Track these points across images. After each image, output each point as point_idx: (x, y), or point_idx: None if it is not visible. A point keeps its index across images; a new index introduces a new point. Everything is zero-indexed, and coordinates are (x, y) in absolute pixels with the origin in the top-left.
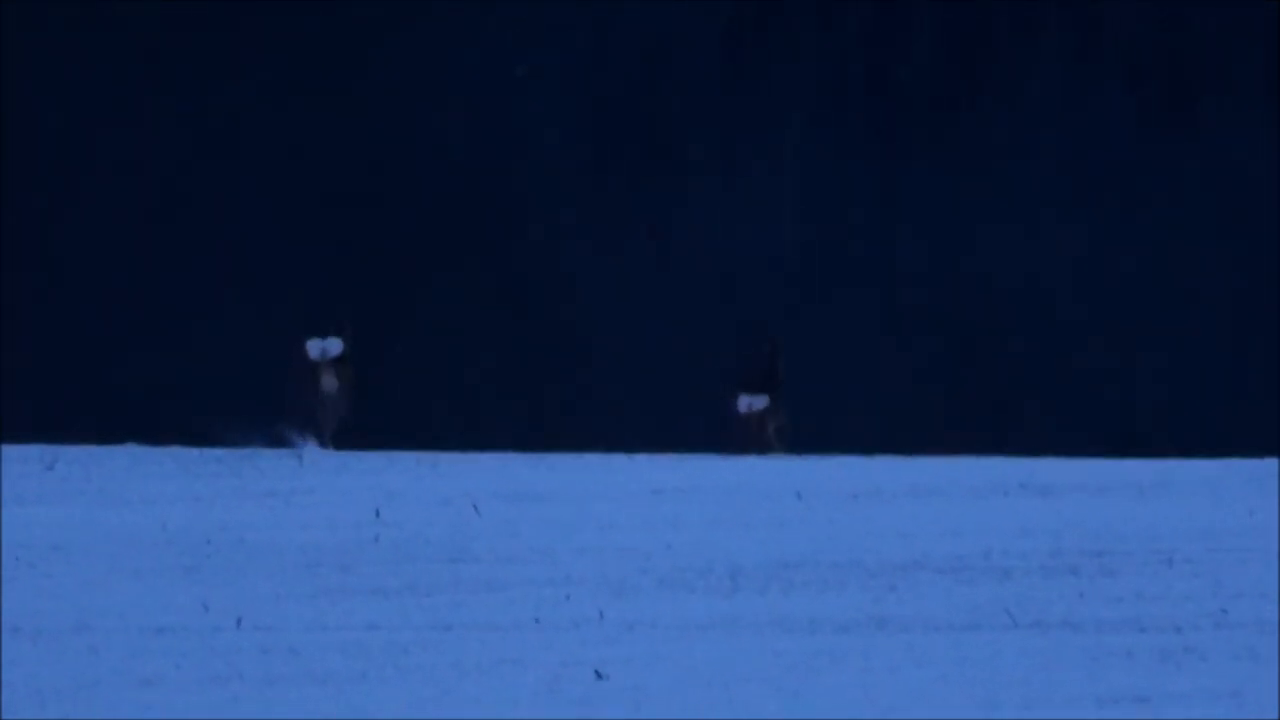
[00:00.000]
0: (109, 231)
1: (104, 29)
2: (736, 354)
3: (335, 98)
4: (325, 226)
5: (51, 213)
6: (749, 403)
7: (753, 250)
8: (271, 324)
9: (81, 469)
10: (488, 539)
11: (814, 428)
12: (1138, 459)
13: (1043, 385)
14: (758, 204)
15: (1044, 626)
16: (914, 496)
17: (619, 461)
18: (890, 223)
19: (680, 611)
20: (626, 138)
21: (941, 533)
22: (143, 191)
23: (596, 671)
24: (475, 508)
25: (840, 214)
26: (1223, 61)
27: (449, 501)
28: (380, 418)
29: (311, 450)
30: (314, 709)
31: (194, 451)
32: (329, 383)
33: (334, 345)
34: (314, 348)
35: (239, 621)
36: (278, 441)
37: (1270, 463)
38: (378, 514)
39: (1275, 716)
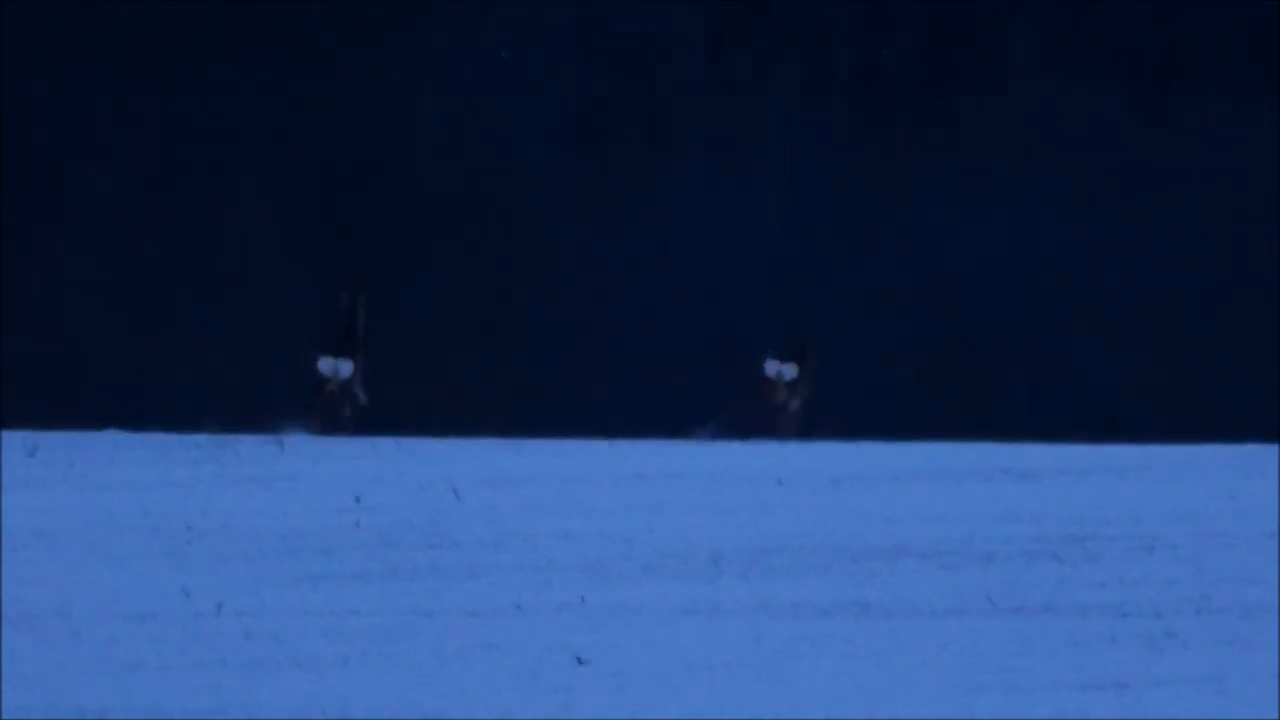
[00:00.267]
0: (90, 220)
1: (104, 29)
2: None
3: (327, 93)
4: (310, 215)
5: (34, 202)
6: (778, 369)
7: (738, 240)
8: (257, 312)
9: (63, 455)
10: (469, 524)
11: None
12: (1119, 444)
13: (1025, 370)
14: (744, 195)
15: (1026, 612)
16: (896, 482)
17: (600, 447)
18: (876, 213)
19: (662, 597)
20: (615, 127)
21: (923, 518)
22: (126, 181)
23: (578, 657)
24: (456, 493)
25: (826, 205)
26: (1211, 52)
27: (430, 486)
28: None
29: (292, 436)
30: (295, 694)
31: (175, 437)
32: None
33: (345, 367)
34: (326, 366)
35: (220, 607)
36: (266, 428)
37: (1252, 448)
38: (358, 499)
39: (1257, 701)
